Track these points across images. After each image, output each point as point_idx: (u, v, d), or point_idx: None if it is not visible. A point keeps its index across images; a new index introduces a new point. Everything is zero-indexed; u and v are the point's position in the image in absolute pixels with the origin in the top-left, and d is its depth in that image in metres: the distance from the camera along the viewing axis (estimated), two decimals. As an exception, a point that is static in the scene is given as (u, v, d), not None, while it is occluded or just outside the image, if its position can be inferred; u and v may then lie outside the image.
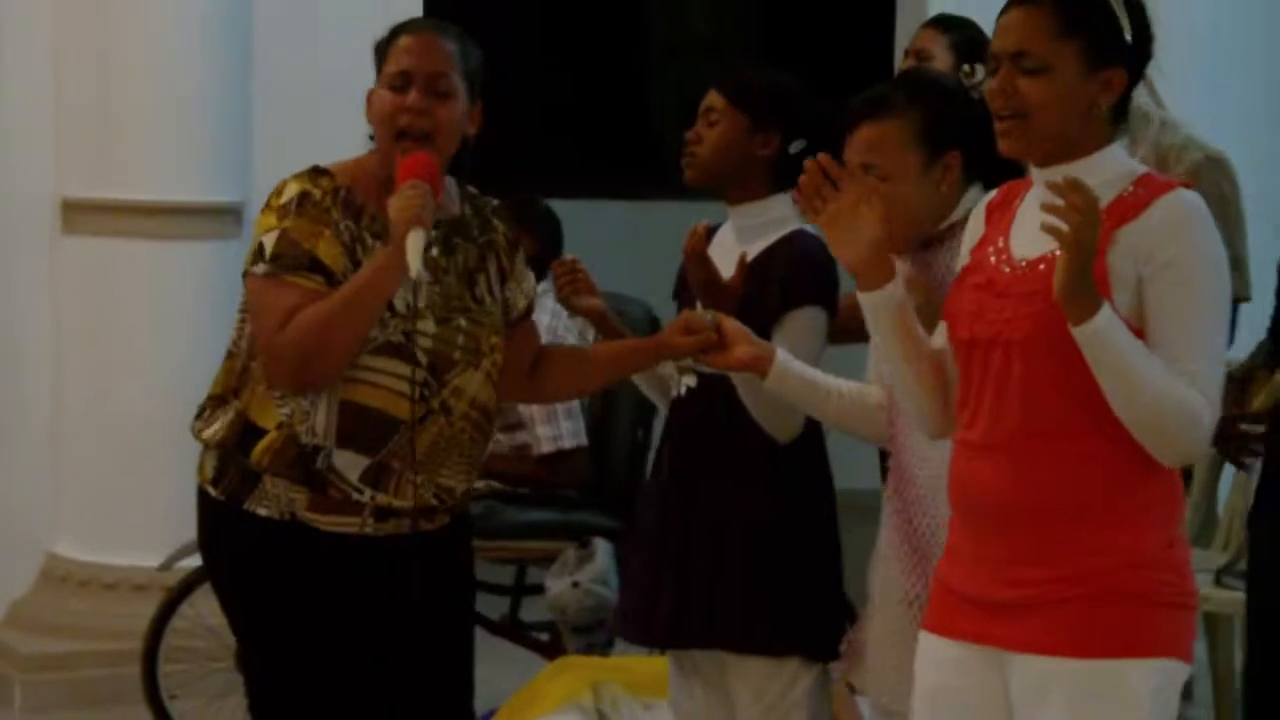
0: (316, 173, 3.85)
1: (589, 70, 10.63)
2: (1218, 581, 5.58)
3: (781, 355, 3.82)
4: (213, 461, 3.88)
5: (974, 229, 3.46)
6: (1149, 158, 5.13)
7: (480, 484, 5.01)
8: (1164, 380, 3.13)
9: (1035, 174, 3.33)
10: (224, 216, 6.58)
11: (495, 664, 4.26)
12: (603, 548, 5.92)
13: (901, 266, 3.54)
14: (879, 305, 3.43)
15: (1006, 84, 3.26)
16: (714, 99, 4.20)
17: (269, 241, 3.77)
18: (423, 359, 3.78)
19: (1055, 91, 3.23)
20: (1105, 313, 3.09)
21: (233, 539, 3.89)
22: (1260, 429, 4.36)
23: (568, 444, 6.07)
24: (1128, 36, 3.25)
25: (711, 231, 4.21)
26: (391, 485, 3.80)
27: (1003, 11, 3.32)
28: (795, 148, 4.13)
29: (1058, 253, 3.11)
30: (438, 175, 3.78)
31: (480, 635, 4.26)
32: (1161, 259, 3.17)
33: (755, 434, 4.08)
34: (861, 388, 3.89)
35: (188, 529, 4.10)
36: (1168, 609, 3.23)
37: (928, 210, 3.78)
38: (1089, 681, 3.20)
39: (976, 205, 3.53)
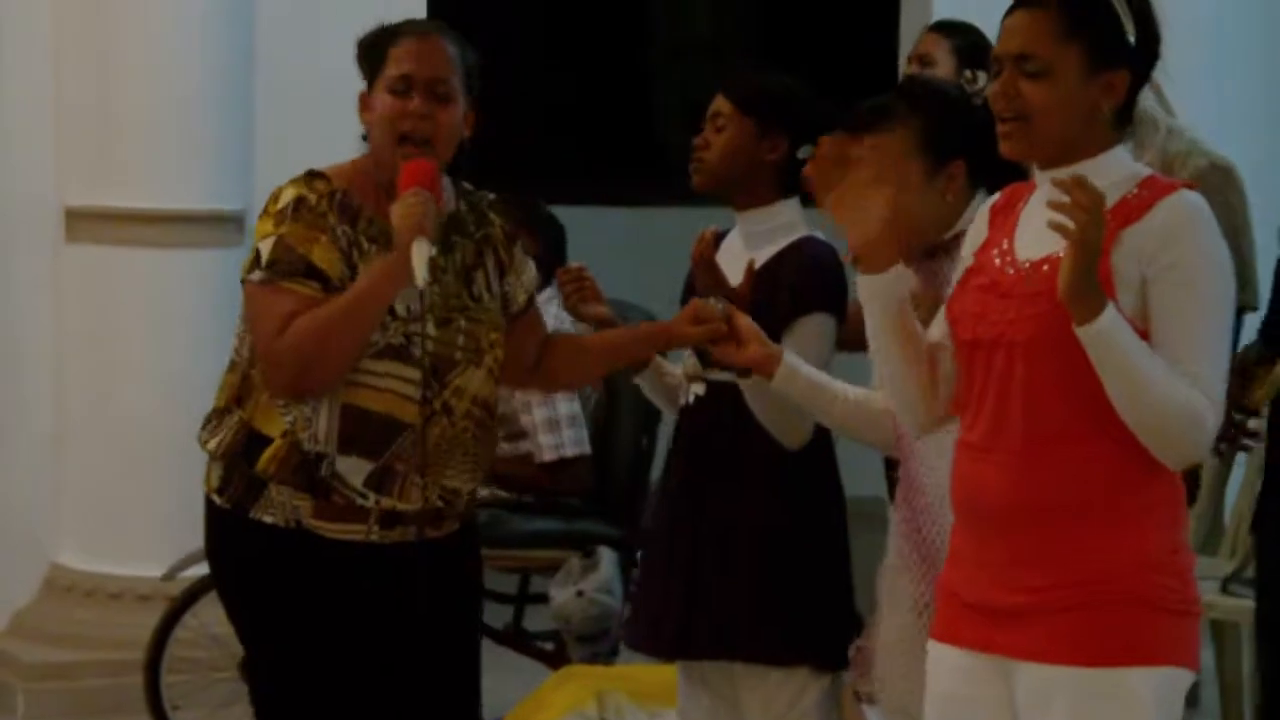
0: (312, 176, 3.85)
1: (591, 73, 10.62)
2: (1224, 589, 5.57)
3: (790, 356, 3.81)
4: (218, 471, 3.88)
5: (976, 231, 3.45)
6: (1155, 164, 5.12)
7: (484, 492, 5.00)
8: (1167, 381, 3.12)
9: (1039, 176, 3.32)
10: (226, 224, 6.56)
11: (499, 673, 4.25)
12: (607, 556, 5.90)
13: (908, 277, 3.53)
14: (879, 290, 3.40)
15: (1009, 87, 3.25)
16: (721, 104, 4.20)
17: (265, 248, 3.78)
18: (424, 360, 3.78)
19: (1057, 95, 3.22)
20: (1110, 313, 3.09)
21: (239, 547, 3.89)
22: (1251, 420, 4.37)
23: (570, 452, 6.05)
24: (1131, 38, 3.23)
25: (719, 237, 4.21)
26: (396, 489, 3.79)
27: (1007, 14, 3.31)
28: (804, 153, 4.12)
29: (1062, 253, 3.11)
30: (439, 182, 3.78)
31: (484, 644, 4.25)
32: (1165, 260, 3.17)
33: (764, 441, 4.07)
34: (869, 393, 3.88)
35: (190, 539, 4.09)
36: (1171, 615, 3.22)
37: (932, 220, 3.77)
38: (1092, 689, 3.19)
39: (979, 208, 3.52)
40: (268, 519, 3.81)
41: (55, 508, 6.68)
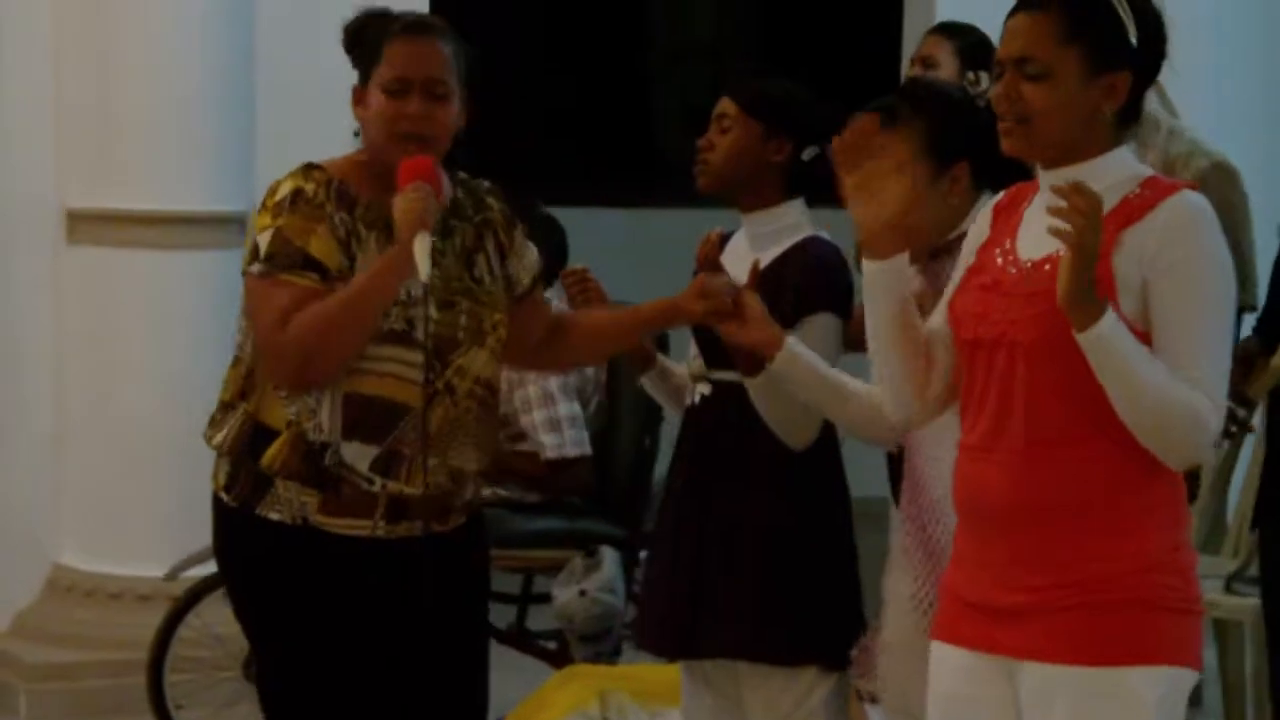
0: (309, 168, 3.87)
1: (591, 76, 10.62)
2: (1228, 588, 5.57)
3: (791, 340, 3.80)
4: (225, 468, 3.89)
5: (979, 230, 3.45)
6: (1157, 164, 5.14)
7: (486, 492, 5.00)
8: (1168, 384, 3.12)
9: (1042, 177, 3.33)
10: (227, 226, 6.56)
11: (502, 673, 4.24)
12: (609, 556, 5.91)
13: (911, 274, 3.53)
14: (882, 276, 3.40)
15: (1010, 89, 3.25)
16: (726, 106, 4.20)
17: (264, 241, 3.80)
18: (427, 343, 3.79)
19: (1058, 98, 3.22)
20: (1109, 318, 3.09)
21: (245, 544, 3.90)
22: (1240, 410, 4.38)
23: (571, 452, 6.05)
24: (1133, 39, 3.24)
25: (725, 239, 4.21)
26: (403, 472, 3.80)
27: (1009, 15, 3.32)
28: (808, 154, 4.13)
29: (1062, 253, 3.11)
30: (438, 176, 3.79)
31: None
32: (1166, 261, 3.17)
33: (769, 441, 4.08)
34: (872, 388, 3.88)
35: (192, 538, 4.10)
36: (1173, 615, 3.22)
37: (937, 221, 3.77)
38: (1093, 689, 3.20)
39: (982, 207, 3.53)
40: (274, 516, 3.81)
41: (56, 508, 6.68)
